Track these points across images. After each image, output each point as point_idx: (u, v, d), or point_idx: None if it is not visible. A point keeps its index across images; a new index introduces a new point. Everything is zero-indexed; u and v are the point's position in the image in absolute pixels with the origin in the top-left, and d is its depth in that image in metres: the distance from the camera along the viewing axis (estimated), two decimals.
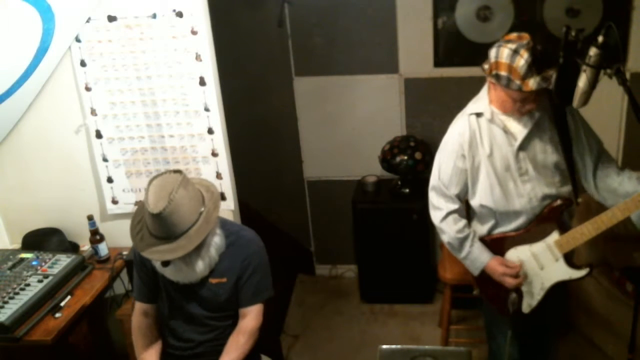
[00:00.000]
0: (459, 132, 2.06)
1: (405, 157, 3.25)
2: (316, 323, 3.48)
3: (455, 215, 2.14)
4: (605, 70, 1.72)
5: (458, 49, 3.24)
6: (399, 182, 3.40)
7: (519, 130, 2.02)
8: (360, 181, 3.54)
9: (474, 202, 2.12)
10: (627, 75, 2.98)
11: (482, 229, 2.17)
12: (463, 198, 2.16)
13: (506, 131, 2.03)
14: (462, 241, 2.12)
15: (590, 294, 2.90)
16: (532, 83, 1.83)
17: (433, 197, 2.18)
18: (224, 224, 2.12)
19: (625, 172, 2.01)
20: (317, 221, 3.84)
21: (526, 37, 1.86)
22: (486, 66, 1.94)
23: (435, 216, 2.18)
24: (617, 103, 3.16)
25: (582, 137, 2.03)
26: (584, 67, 1.71)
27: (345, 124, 3.53)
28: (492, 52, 1.90)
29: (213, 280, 2.08)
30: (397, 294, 3.55)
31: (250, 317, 2.11)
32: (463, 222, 2.14)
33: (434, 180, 2.17)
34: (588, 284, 2.89)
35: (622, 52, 2.98)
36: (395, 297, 3.56)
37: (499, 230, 2.14)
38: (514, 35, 1.89)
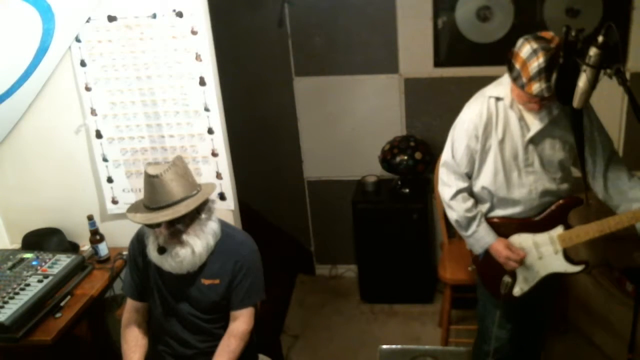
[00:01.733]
0: (477, 113, 2.07)
1: (405, 157, 3.25)
2: (316, 323, 3.48)
3: (465, 194, 2.17)
4: (605, 70, 1.73)
5: (458, 49, 3.24)
6: (399, 182, 3.40)
7: (535, 123, 2.03)
8: (360, 181, 3.54)
9: (477, 183, 2.16)
10: (627, 75, 2.98)
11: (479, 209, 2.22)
12: (471, 177, 2.19)
13: (522, 121, 2.05)
14: (470, 220, 2.15)
15: (590, 294, 2.90)
16: (535, 87, 1.84)
17: (443, 174, 2.20)
18: (219, 222, 2.11)
19: (635, 177, 2.06)
20: (317, 221, 3.84)
21: (556, 42, 1.83)
22: (513, 50, 1.93)
23: (445, 193, 2.20)
24: (617, 103, 3.16)
25: (595, 137, 2.05)
26: (584, 67, 1.72)
27: (345, 124, 3.53)
28: (519, 42, 1.90)
29: (206, 281, 2.07)
30: (397, 294, 3.55)
31: (242, 320, 2.11)
32: (471, 201, 2.17)
33: (446, 156, 2.19)
34: (588, 283, 2.89)
35: (622, 52, 2.98)
36: (395, 297, 3.56)
37: (495, 214, 2.18)
38: (549, 34, 1.87)
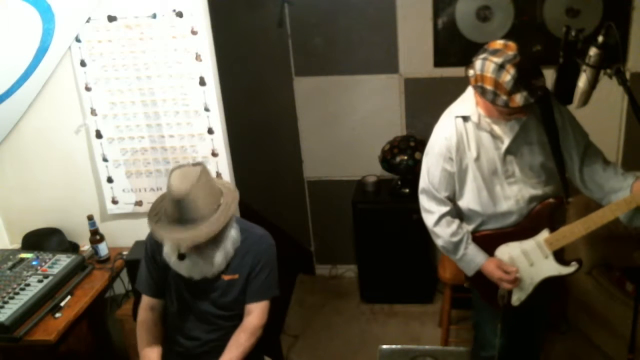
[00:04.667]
0: (445, 135, 2.04)
1: (405, 157, 3.25)
2: (316, 323, 3.48)
3: (448, 218, 2.12)
4: (605, 70, 1.72)
5: (458, 49, 3.24)
6: (399, 182, 3.40)
7: (506, 133, 2.00)
8: (360, 181, 3.54)
9: (462, 204, 2.12)
10: (627, 75, 2.98)
11: (468, 227, 2.17)
12: (453, 199, 2.15)
13: (493, 135, 2.01)
14: (457, 244, 2.12)
15: (590, 294, 2.90)
16: (519, 98, 1.78)
17: (424, 201, 2.16)
18: (237, 220, 2.12)
19: (611, 167, 2.01)
20: (317, 221, 3.84)
21: (512, 47, 1.79)
22: (471, 72, 1.88)
23: (428, 220, 2.16)
24: (617, 103, 3.16)
25: (569, 131, 2.01)
26: (584, 67, 1.71)
27: (345, 124, 3.53)
28: (477, 64, 1.84)
29: (226, 277, 2.08)
30: (397, 294, 3.55)
31: (255, 315, 2.11)
32: (456, 223, 2.13)
33: (423, 183, 2.14)
34: (588, 283, 2.90)
35: (622, 52, 2.98)
36: (395, 297, 3.56)
37: (487, 227, 2.14)
38: (499, 43, 1.83)
